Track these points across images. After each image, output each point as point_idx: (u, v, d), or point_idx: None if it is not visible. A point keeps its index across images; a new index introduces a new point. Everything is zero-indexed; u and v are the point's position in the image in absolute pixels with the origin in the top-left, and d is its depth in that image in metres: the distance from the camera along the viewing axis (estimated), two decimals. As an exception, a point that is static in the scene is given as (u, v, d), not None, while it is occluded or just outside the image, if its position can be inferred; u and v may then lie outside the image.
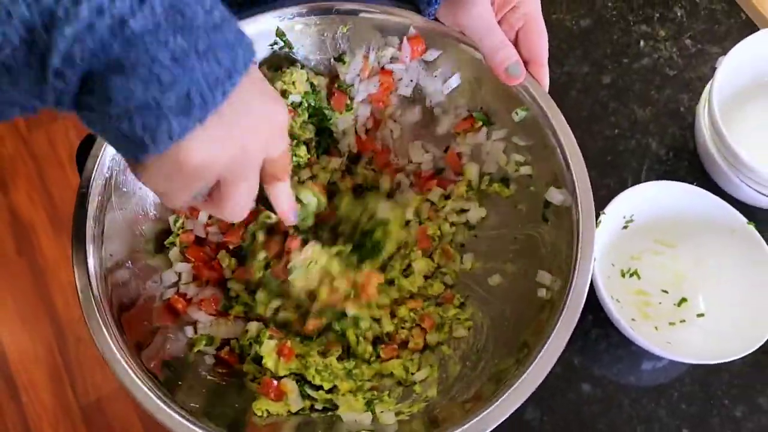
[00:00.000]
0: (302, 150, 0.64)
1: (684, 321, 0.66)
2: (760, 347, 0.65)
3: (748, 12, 0.82)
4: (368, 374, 0.58)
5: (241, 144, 0.39)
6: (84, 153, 0.73)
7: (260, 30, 0.61)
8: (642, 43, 0.80)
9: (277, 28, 0.61)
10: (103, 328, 0.49)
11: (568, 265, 0.51)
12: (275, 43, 0.62)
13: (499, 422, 0.47)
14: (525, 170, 0.59)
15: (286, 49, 0.63)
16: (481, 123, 0.62)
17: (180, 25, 0.34)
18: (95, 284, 0.51)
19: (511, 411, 0.48)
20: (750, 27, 0.80)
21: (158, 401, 0.47)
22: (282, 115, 0.43)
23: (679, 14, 0.82)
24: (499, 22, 0.58)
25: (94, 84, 0.34)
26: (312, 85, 0.64)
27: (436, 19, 0.61)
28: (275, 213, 0.51)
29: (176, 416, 0.47)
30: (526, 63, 0.57)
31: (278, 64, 0.64)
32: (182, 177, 0.39)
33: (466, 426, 0.47)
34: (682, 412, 0.64)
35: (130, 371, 0.48)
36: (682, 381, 0.65)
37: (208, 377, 0.56)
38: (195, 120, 0.35)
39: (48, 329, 1.64)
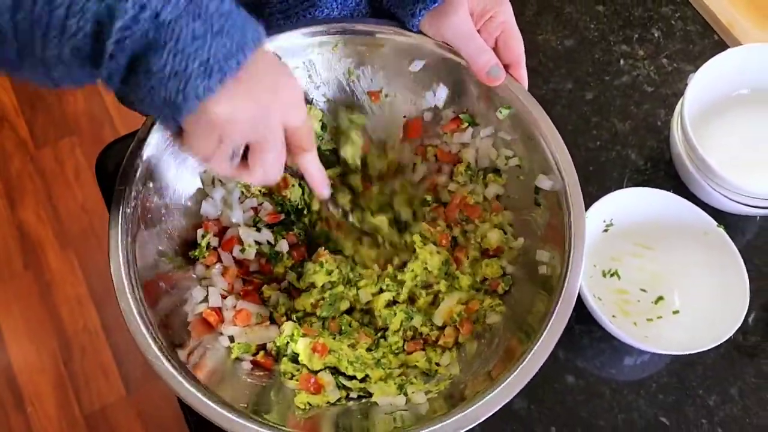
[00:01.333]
0: None
1: (661, 317, 0.71)
2: (732, 343, 0.71)
3: (720, 33, 0.88)
4: (395, 363, 0.63)
5: (261, 105, 0.48)
6: (103, 163, 0.79)
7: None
8: (622, 61, 0.86)
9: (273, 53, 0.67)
10: (148, 337, 0.54)
11: (563, 239, 0.57)
12: None
13: (521, 388, 0.54)
14: (514, 162, 0.66)
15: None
16: (467, 124, 0.68)
17: (198, 13, 0.43)
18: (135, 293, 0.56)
19: (529, 378, 0.54)
20: (721, 47, 0.87)
21: (215, 405, 0.52)
22: (296, 87, 0.51)
23: (656, 35, 0.88)
24: (479, 31, 0.64)
25: (137, 63, 0.43)
26: (323, 125, 0.71)
27: (419, 31, 0.67)
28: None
29: (240, 419, 0.52)
30: (506, 66, 0.64)
31: None
32: (215, 135, 0.47)
33: (489, 396, 0.53)
34: (660, 402, 0.69)
35: (182, 380, 0.53)
36: (660, 374, 0.70)
37: (248, 380, 0.60)
38: (215, 82, 0.44)
39: (54, 341, 1.68)
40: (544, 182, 0.62)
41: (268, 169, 0.52)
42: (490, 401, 0.53)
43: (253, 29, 0.47)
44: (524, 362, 0.54)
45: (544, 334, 0.54)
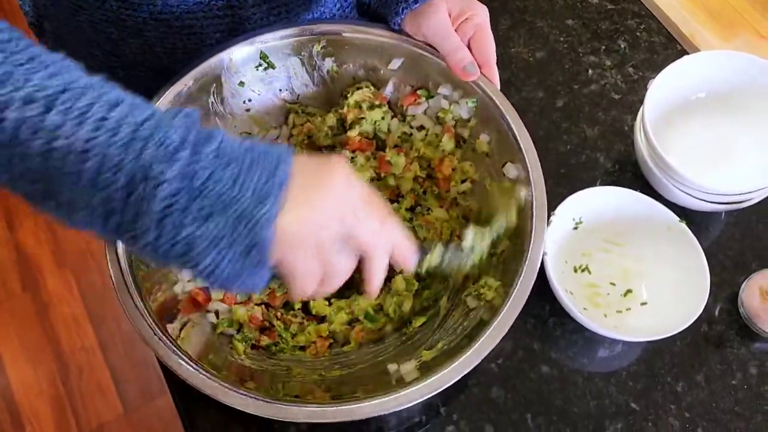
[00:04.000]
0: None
1: (629, 309, 0.75)
2: (698, 333, 0.75)
3: (683, 44, 0.93)
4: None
5: (327, 196, 0.47)
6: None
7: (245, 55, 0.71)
8: (590, 71, 0.91)
9: (261, 52, 0.72)
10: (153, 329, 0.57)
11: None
12: (259, 65, 0.73)
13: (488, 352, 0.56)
14: (483, 148, 0.71)
15: (270, 69, 0.73)
16: (424, 98, 0.74)
17: (225, 161, 0.44)
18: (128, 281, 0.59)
19: (495, 343, 0.57)
20: (684, 55, 0.91)
21: (231, 390, 0.55)
22: (337, 164, 0.49)
23: (622, 46, 0.93)
24: (455, 31, 0.69)
25: (186, 230, 0.43)
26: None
27: (400, 29, 0.72)
28: None
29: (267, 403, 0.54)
30: (479, 65, 0.69)
31: None
32: (307, 244, 0.46)
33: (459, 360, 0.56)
34: (630, 389, 0.72)
35: (189, 367, 0.56)
36: (630, 363, 0.74)
37: (252, 366, 0.64)
38: (274, 199, 0.44)
39: (51, 361, 1.70)
40: (512, 171, 0.67)
41: (382, 245, 0.50)
42: (458, 366, 0.56)
43: (278, 147, 0.47)
44: (491, 328, 0.57)
45: (510, 300, 0.58)
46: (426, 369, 0.59)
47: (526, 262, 0.60)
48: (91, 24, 0.75)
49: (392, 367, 0.62)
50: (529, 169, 0.65)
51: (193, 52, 0.76)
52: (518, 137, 0.66)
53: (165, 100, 0.67)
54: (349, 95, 0.75)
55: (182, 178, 0.42)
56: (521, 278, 0.59)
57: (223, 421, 0.69)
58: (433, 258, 0.62)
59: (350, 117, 0.74)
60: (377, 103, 0.75)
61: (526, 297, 0.59)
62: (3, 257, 1.84)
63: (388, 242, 0.51)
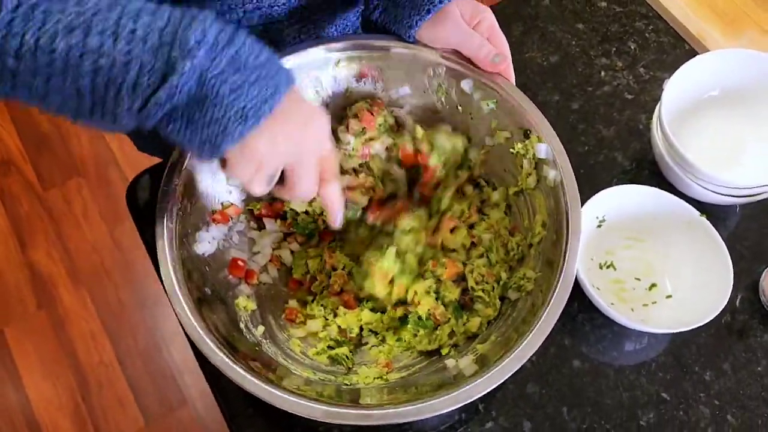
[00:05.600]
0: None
1: (655, 302, 0.77)
2: (723, 323, 0.77)
3: (690, 43, 0.96)
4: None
5: (294, 137, 0.55)
6: (134, 191, 0.85)
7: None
8: (603, 73, 0.94)
9: None
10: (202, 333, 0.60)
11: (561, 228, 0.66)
12: None
13: (530, 355, 0.59)
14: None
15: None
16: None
17: (237, 67, 0.51)
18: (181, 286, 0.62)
19: (538, 345, 0.60)
20: (692, 55, 0.94)
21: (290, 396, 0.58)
22: (323, 122, 0.59)
23: (633, 48, 0.96)
24: None
25: (176, 112, 0.51)
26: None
27: (415, 41, 0.74)
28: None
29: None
30: None
31: None
32: (254, 164, 0.55)
33: (503, 363, 0.59)
34: (660, 379, 0.75)
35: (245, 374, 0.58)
36: (659, 355, 0.76)
37: (312, 378, 0.66)
38: (250, 125, 0.52)
39: (70, 377, 1.72)
40: (541, 150, 0.70)
41: (303, 189, 0.60)
42: (507, 365, 0.58)
43: (286, 75, 0.54)
44: (530, 335, 0.59)
45: (549, 306, 0.61)
46: (483, 362, 0.62)
47: (567, 254, 0.63)
48: None
49: (450, 362, 0.65)
50: (556, 155, 0.69)
51: None
52: (539, 128, 0.70)
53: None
54: (349, 110, 0.78)
55: (193, 72, 0.49)
56: (565, 265, 0.63)
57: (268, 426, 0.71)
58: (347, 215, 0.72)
59: (352, 125, 0.77)
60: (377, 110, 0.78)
61: (571, 285, 0.62)
62: (17, 276, 1.85)
63: (309, 196, 0.61)
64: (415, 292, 0.72)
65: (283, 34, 0.78)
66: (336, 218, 0.65)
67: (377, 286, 0.71)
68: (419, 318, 0.70)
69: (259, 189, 0.58)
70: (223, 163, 0.56)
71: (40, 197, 1.95)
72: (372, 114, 0.76)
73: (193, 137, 0.52)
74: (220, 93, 0.50)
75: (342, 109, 0.79)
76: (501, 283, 0.72)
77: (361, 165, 0.77)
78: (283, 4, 0.74)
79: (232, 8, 0.71)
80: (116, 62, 0.48)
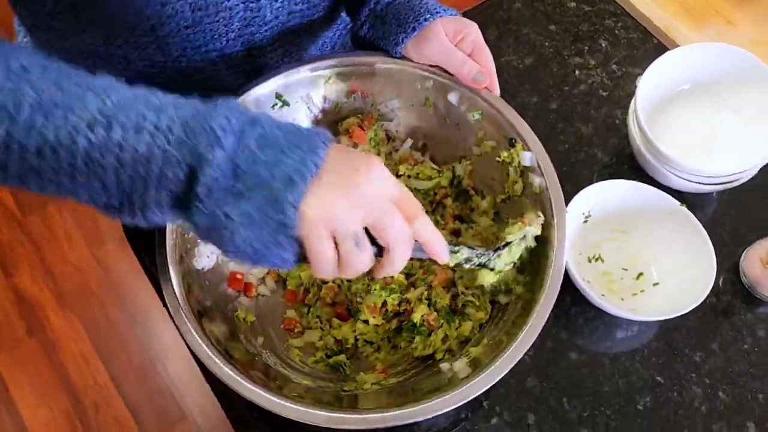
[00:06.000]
0: None
1: (643, 291, 0.81)
2: (708, 305, 0.81)
3: (658, 37, 0.99)
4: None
5: (350, 186, 0.49)
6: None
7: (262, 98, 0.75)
8: (577, 72, 0.97)
9: (276, 93, 0.76)
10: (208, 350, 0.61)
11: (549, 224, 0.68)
12: (275, 104, 0.77)
13: (526, 350, 0.62)
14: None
15: (286, 107, 0.78)
16: None
17: (267, 144, 0.48)
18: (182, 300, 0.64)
19: (534, 338, 0.62)
20: (661, 48, 0.98)
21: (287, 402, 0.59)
22: (377, 163, 0.51)
23: (604, 45, 0.99)
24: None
25: (222, 208, 0.47)
26: None
27: (402, 57, 0.77)
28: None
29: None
30: None
31: None
32: (325, 233, 0.49)
33: (500, 360, 0.61)
34: (653, 364, 0.78)
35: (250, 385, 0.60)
36: (650, 340, 0.80)
37: (311, 386, 0.68)
38: (302, 188, 0.47)
39: (66, 400, 1.72)
40: (526, 158, 0.72)
41: (397, 237, 0.52)
42: (499, 365, 0.61)
43: (321, 134, 0.50)
44: (521, 336, 0.62)
45: (538, 309, 0.63)
46: (476, 364, 0.64)
47: (554, 258, 0.66)
48: None
49: (445, 366, 0.67)
50: (540, 162, 0.72)
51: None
52: (524, 136, 0.73)
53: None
54: (340, 125, 0.81)
55: (227, 161, 0.47)
56: (552, 271, 0.65)
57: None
58: (460, 257, 0.65)
59: (343, 141, 0.79)
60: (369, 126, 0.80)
61: (558, 289, 0.65)
62: (3, 303, 1.84)
63: (410, 237, 0.53)
64: (408, 301, 0.75)
65: (267, 58, 0.80)
66: (442, 253, 0.57)
67: (371, 318, 0.74)
68: (413, 325, 0.73)
69: (359, 265, 0.52)
70: (303, 256, 0.51)
71: (20, 223, 1.94)
72: (363, 129, 0.78)
73: (257, 233, 0.48)
74: (259, 175, 0.47)
75: (333, 125, 0.81)
76: (490, 287, 0.74)
77: None
78: (266, 30, 0.76)
79: (215, 38, 0.73)
80: (139, 156, 0.46)
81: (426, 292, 0.74)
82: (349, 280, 0.77)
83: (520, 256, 0.69)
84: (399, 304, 0.74)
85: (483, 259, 0.67)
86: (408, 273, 0.77)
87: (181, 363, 1.74)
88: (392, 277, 0.76)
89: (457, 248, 0.63)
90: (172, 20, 0.68)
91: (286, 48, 0.81)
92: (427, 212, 0.76)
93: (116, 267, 1.88)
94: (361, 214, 0.50)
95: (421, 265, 0.77)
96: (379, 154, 0.80)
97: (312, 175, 0.48)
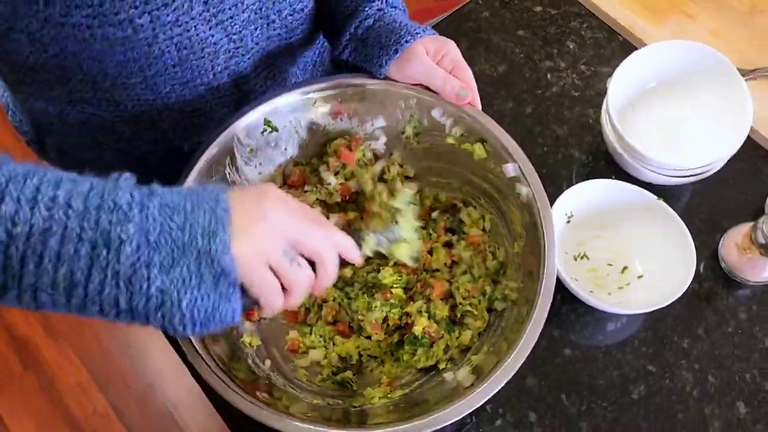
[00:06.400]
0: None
1: (629, 284, 0.84)
2: (691, 292, 0.84)
3: (624, 35, 1.03)
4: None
5: (266, 217, 0.53)
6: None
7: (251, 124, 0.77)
8: (549, 75, 1.00)
9: (264, 119, 0.78)
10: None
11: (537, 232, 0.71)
12: (264, 130, 0.79)
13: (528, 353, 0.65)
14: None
15: (274, 132, 0.80)
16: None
17: (171, 211, 0.49)
18: None
19: (533, 342, 0.65)
20: (627, 46, 1.01)
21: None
22: (272, 187, 0.56)
23: (572, 47, 1.03)
24: None
25: (155, 277, 0.48)
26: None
27: (387, 78, 0.79)
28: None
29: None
30: None
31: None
32: (262, 262, 0.52)
33: (504, 364, 0.64)
34: (644, 354, 0.82)
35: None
36: (639, 331, 0.83)
37: (320, 404, 0.70)
38: (223, 233, 0.49)
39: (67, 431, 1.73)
40: (510, 170, 0.75)
41: (322, 243, 0.56)
42: (506, 369, 0.64)
43: (212, 186, 0.53)
44: (526, 333, 0.65)
45: (534, 316, 0.66)
46: (479, 372, 0.67)
47: (546, 262, 0.69)
48: (103, 128, 0.80)
49: (449, 375, 0.70)
50: (525, 172, 0.74)
51: (202, 129, 0.82)
52: (507, 147, 0.75)
53: (190, 180, 0.72)
54: (328, 147, 0.83)
55: (140, 235, 0.47)
56: (545, 275, 0.68)
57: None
58: (370, 245, 0.69)
59: (332, 163, 0.82)
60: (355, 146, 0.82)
61: (552, 293, 0.68)
62: (-4, 341, 1.84)
63: (331, 244, 0.58)
64: (408, 314, 0.77)
65: (251, 84, 0.82)
66: (355, 256, 0.62)
67: (373, 334, 0.77)
68: (415, 337, 0.75)
69: (302, 283, 0.55)
70: (247, 306, 0.53)
71: (6, 259, 1.93)
72: (350, 150, 0.80)
73: (203, 292, 0.49)
74: (177, 239, 0.48)
75: (321, 146, 0.83)
76: (486, 296, 0.77)
77: (344, 200, 0.82)
78: (248, 58, 0.78)
79: (202, 73, 0.75)
80: (35, 230, 0.45)
81: (425, 305, 0.77)
82: (349, 298, 0.80)
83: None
84: (400, 318, 0.77)
85: (389, 235, 0.71)
86: (406, 287, 0.80)
87: (179, 385, 1.75)
88: (392, 292, 0.78)
89: (362, 239, 0.68)
90: (159, 60, 0.70)
91: (269, 72, 0.83)
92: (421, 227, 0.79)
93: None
94: (284, 236, 0.54)
95: (418, 279, 0.80)
96: (367, 174, 0.82)
97: (227, 219, 0.50)
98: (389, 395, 0.72)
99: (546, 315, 0.66)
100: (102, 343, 1.82)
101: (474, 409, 0.63)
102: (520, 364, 0.64)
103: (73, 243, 0.46)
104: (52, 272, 0.46)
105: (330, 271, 0.58)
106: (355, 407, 0.70)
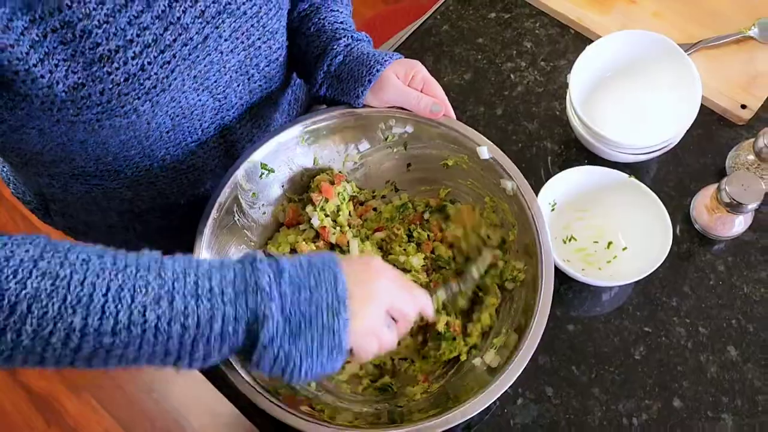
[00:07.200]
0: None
1: (616, 257, 0.92)
2: (673, 254, 0.93)
3: (574, 28, 1.11)
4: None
5: (376, 292, 0.64)
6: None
7: (250, 171, 0.84)
8: (512, 76, 1.08)
9: (260, 163, 0.85)
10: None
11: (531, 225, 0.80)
12: (262, 173, 0.86)
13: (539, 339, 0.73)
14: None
15: (271, 173, 0.86)
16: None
17: (298, 287, 0.59)
18: None
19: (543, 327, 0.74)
20: (579, 37, 1.10)
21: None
22: (376, 259, 0.68)
23: (529, 46, 1.11)
24: (409, 86, 0.85)
25: (285, 352, 0.58)
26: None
27: (364, 105, 0.86)
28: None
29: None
30: None
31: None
32: (372, 336, 0.64)
33: (522, 350, 0.73)
34: (639, 317, 0.90)
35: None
36: (631, 297, 0.92)
37: (368, 411, 0.78)
38: (345, 316, 0.60)
39: (101, 480, 1.78)
40: (484, 152, 0.83)
41: (412, 313, 0.68)
42: (530, 340, 0.73)
43: (327, 259, 0.62)
44: (539, 304, 0.75)
45: (542, 295, 0.75)
46: (503, 353, 0.76)
47: (542, 247, 0.77)
48: (105, 194, 0.86)
49: (477, 361, 0.78)
50: (506, 167, 0.83)
51: (197, 182, 0.89)
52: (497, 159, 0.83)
53: (207, 231, 0.79)
54: (312, 182, 0.90)
55: (279, 311, 0.58)
56: (543, 255, 0.77)
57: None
58: (439, 299, 0.83)
59: (315, 198, 0.88)
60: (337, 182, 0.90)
61: (553, 270, 0.76)
62: (16, 402, 1.88)
63: (416, 306, 0.69)
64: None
65: (237, 134, 0.88)
66: (431, 313, 0.73)
67: (401, 340, 0.84)
68: (438, 333, 0.83)
69: (393, 343, 0.66)
70: (352, 355, 0.64)
71: (14, 322, 1.96)
72: (331, 184, 0.88)
73: (321, 359, 0.59)
74: (305, 314, 0.58)
75: (310, 180, 0.90)
76: (499, 270, 0.85)
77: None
78: (233, 112, 0.84)
79: (192, 132, 0.81)
80: (202, 319, 0.56)
81: (443, 300, 0.84)
82: None
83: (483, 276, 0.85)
84: (421, 320, 0.84)
85: (455, 289, 0.84)
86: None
87: (204, 416, 1.81)
88: None
89: (434, 295, 0.82)
90: (155, 131, 0.75)
91: (253, 120, 0.89)
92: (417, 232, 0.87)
93: (119, 342, 1.93)
94: (386, 306, 0.65)
95: (430, 280, 0.87)
96: (347, 208, 0.90)
97: (347, 298, 0.60)
98: (428, 390, 0.80)
99: (552, 287, 0.75)
100: (124, 389, 1.87)
101: (504, 391, 0.70)
102: (539, 338, 0.73)
103: (232, 325, 0.57)
104: (217, 352, 0.58)
105: (407, 328, 0.70)
106: (400, 407, 0.78)
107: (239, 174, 0.82)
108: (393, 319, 0.67)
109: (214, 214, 0.80)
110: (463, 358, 0.82)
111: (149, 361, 0.57)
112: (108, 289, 0.54)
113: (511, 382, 0.71)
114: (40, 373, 1.89)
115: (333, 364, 0.61)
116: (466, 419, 0.70)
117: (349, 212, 0.90)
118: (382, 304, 0.64)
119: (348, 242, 0.87)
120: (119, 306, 0.54)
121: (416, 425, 0.70)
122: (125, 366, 0.57)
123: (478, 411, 0.70)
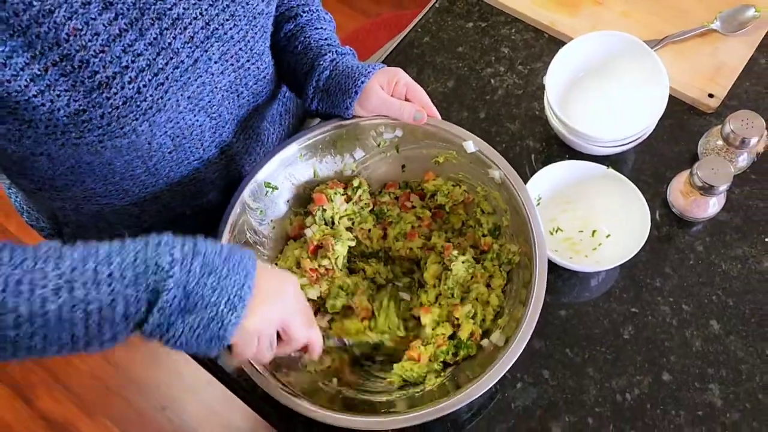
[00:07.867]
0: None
1: (601, 244, 0.98)
2: (654, 238, 0.99)
3: (548, 32, 1.17)
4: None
5: (278, 304, 0.68)
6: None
7: (255, 191, 0.90)
8: (492, 81, 1.14)
9: (264, 182, 0.91)
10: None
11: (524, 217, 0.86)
12: (267, 191, 0.91)
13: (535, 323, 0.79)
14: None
15: (276, 190, 0.92)
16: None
17: (209, 270, 0.62)
18: None
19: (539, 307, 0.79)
20: (553, 40, 1.16)
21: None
22: (292, 279, 0.73)
23: (506, 51, 1.17)
24: (392, 95, 0.91)
25: (177, 326, 0.61)
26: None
27: (354, 116, 0.92)
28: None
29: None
30: None
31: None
32: (254, 340, 0.67)
33: (519, 333, 0.78)
34: (626, 299, 0.96)
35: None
36: (617, 281, 0.97)
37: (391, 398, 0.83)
38: (241, 309, 0.63)
39: (123, 502, 1.82)
40: (470, 147, 0.89)
41: (299, 339, 0.72)
42: (528, 321, 0.79)
43: (248, 256, 0.66)
44: (536, 281, 0.80)
45: (537, 279, 0.81)
46: (508, 331, 0.81)
47: (535, 234, 0.83)
48: (114, 213, 0.92)
49: (485, 342, 0.84)
50: (495, 161, 0.89)
51: (200, 193, 0.94)
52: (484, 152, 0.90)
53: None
54: (312, 193, 0.96)
55: (177, 287, 0.60)
56: (534, 231, 0.83)
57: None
58: (330, 341, 0.88)
59: (311, 209, 0.94)
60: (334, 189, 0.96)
61: (545, 242, 0.83)
62: (33, 430, 1.92)
63: (305, 339, 0.74)
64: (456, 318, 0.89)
65: (234, 149, 0.93)
66: (316, 354, 0.77)
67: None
68: (459, 340, 0.87)
69: (266, 357, 0.70)
70: (229, 350, 0.67)
71: (26, 351, 2.01)
72: (322, 192, 0.94)
73: (200, 340, 0.62)
74: (205, 296, 0.61)
75: (311, 191, 0.96)
76: (497, 253, 0.91)
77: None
78: (228, 127, 0.89)
79: (193, 151, 0.86)
80: (103, 304, 0.57)
81: (472, 309, 0.88)
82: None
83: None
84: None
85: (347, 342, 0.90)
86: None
87: (217, 428, 1.86)
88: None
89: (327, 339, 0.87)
90: (158, 151, 0.81)
91: (247, 133, 0.95)
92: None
93: (130, 364, 1.97)
94: (280, 323, 0.69)
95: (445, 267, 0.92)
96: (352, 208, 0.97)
97: (249, 297, 0.64)
98: (442, 376, 0.85)
99: (546, 269, 0.81)
100: (136, 407, 1.91)
101: (506, 370, 0.76)
102: (537, 316, 0.78)
103: (134, 306, 0.59)
104: (125, 330, 0.60)
105: (285, 353, 0.75)
106: (419, 393, 0.83)
107: (245, 194, 0.88)
108: (279, 337, 0.71)
109: (227, 235, 0.86)
110: (473, 352, 0.87)
111: (60, 349, 0.59)
112: (6, 284, 0.56)
113: (511, 364, 0.76)
114: (54, 399, 1.94)
115: (208, 350, 0.64)
116: (471, 400, 0.75)
117: (361, 207, 0.96)
118: (278, 315, 0.68)
119: (332, 245, 0.91)
120: (18, 300, 0.55)
121: (424, 409, 0.75)
122: (38, 356, 0.58)
123: (480, 394, 0.75)
